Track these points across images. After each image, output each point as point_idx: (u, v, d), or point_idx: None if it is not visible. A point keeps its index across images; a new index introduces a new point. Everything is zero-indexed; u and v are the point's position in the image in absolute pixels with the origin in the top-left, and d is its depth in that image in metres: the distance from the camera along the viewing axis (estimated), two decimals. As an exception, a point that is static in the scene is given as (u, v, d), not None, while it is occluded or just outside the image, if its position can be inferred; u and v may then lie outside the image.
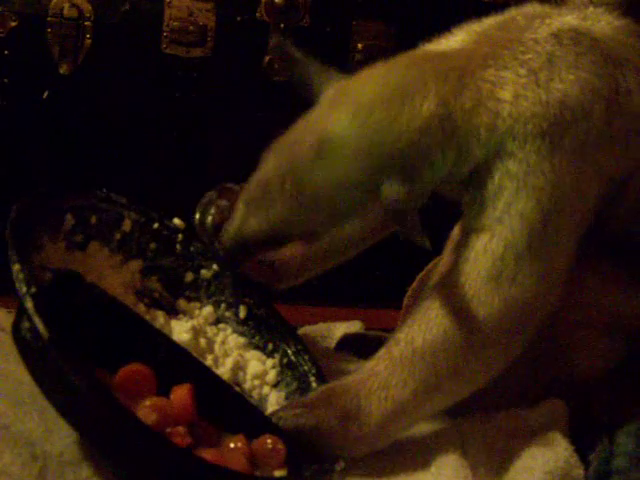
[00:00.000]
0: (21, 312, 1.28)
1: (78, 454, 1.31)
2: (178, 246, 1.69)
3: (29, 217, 1.41)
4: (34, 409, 1.35)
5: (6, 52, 2.14)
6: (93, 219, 1.59)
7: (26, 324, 1.25)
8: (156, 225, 1.67)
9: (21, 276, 1.25)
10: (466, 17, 2.42)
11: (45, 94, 2.18)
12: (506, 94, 1.38)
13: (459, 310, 1.40)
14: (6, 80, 2.16)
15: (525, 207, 1.37)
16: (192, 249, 1.69)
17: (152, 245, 1.67)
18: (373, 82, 1.41)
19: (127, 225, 1.64)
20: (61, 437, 1.32)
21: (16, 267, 1.26)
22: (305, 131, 1.41)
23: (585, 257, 1.48)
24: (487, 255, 1.39)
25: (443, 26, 2.40)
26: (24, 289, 1.24)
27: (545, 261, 1.40)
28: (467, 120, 1.37)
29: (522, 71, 1.39)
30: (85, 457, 1.31)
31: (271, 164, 1.42)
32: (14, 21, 2.12)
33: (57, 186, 1.55)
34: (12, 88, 2.16)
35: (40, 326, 1.21)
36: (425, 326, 1.41)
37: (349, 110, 1.37)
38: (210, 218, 1.64)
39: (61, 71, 2.17)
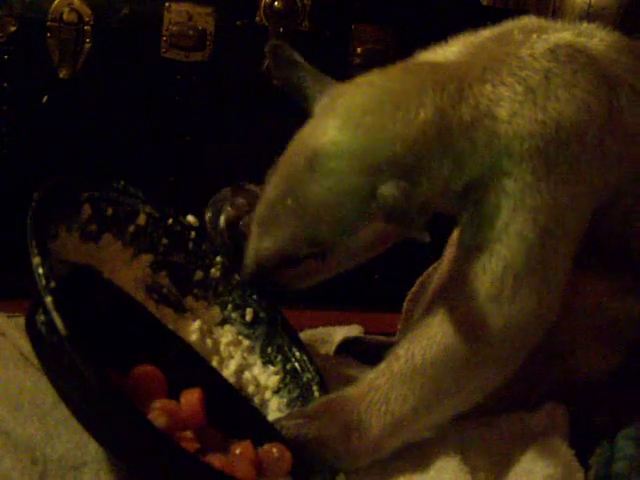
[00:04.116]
0: (37, 304, 1.28)
1: (78, 459, 1.31)
2: (190, 243, 1.69)
3: (49, 206, 1.40)
4: (34, 414, 1.36)
5: (6, 56, 2.13)
6: (109, 211, 1.59)
7: (42, 317, 1.25)
8: (170, 221, 1.67)
9: (41, 270, 1.25)
10: (465, 21, 2.42)
11: (45, 98, 2.18)
12: (502, 112, 1.38)
13: (459, 329, 1.41)
14: (6, 84, 2.16)
15: (523, 226, 1.38)
16: (204, 247, 1.70)
17: (164, 240, 1.67)
18: (366, 88, 1.41)
19: (142, 219, 1.64)
20: (61, 442, 1.32)
21: (36, 260, 1.26)
22: (300, 145, 1.40)
23: (584, 265, 1.48)
24: (486, 274, 1.39)
25: (442, 30, 2.40)
26: (43, 283, 1.24)
27: (543, 280, 1.41)
28: (464, 133, 1.37)
29: (519, 88, 1.39)
30: (85, 462, 1.31)
31: (272, 182, 1.42)
32: (14, 25, 2.12)
33: (77, 176, 1.54)
34: (12, 92, 2.16)
35: (58, 322, 1.21)
36: (425, 343, 1.42)
37: (340, 117, 1.37)
38: (225, 215, 1.64)
39: (61, 75, 2.17)
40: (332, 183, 1.35)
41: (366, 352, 1.85)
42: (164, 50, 2.23)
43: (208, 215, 1.66)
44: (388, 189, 1.31)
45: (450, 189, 1.40)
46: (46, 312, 1.23)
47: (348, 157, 1.34)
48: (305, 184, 1.36)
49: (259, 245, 1.43)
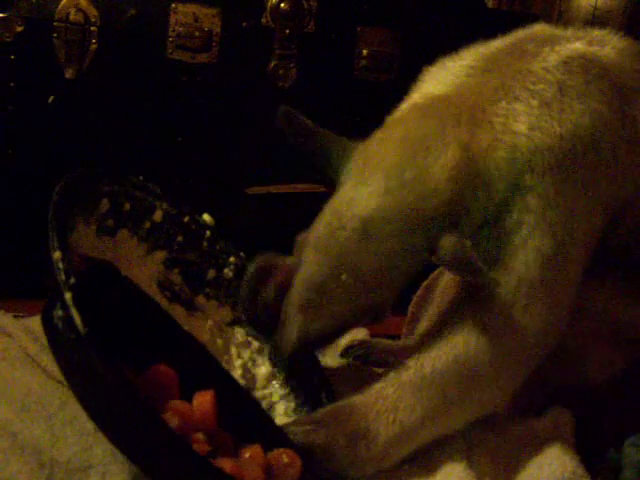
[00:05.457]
0: (54, 299, 1.27)
1: (85, 461, 1.31)
2: (205, 242, 1.69)
3: (69, 200, 1.40)
4: (41, 416, 1.35)
5: (12, 56, 2.14)
6: (127, 206, 1.58)
7: (59, 312, 1.25)
8: (186, 219, 1.67)
9: (61, 265, 1.24)
10: (471, 23, 2.43)
11: (51, 98, 2.18)
12: (521, 126, 1.37)
13: (470, 340, 1.40)
14: (12, 84, 2.16)
15: (541, 242, 1.37)
16: (218, 247, 1.70)
17: (179, 238, 1.67)
18: (394, 143, 1.38)
19: (158, 215, 1.64)
20: (68, 444, 1.32)
21: (57, 255, 1.25)
22: (340, 216, 1.37)
23: (593, 271, 1.48)
24: (499, 287, 1.38)
25: (448, 32, 2.41)
26: (63, 279, 1.23)
27: (556, 291, 1.41)
28: (486, 157, 1.36)
29: (534, 102, 1.39)
30: (92, 464, 1.31)
31: (316, 262, 1.38)
32: (20, 26, 2.13)
33: (96, 169, 1.54)
34: (18, 92, 2.16)
35: (77, 319, 1.20)
36: (435, 353, 1.42)
37: (380, 181, 1.34)
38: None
39: (67, 75, 2.17)
40: (389, 248, 1.34)
41: (371, 355, 1.85)
42: (170, 51, 2.23)
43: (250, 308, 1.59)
44: (447, 243, 1.31)
45: (485, 221, 1.39)
46: (64, 308, 1.22)
47: (399, 219, 1.33)
48: (359, 256, 1.34)
49: (307, 328, 1.39)
